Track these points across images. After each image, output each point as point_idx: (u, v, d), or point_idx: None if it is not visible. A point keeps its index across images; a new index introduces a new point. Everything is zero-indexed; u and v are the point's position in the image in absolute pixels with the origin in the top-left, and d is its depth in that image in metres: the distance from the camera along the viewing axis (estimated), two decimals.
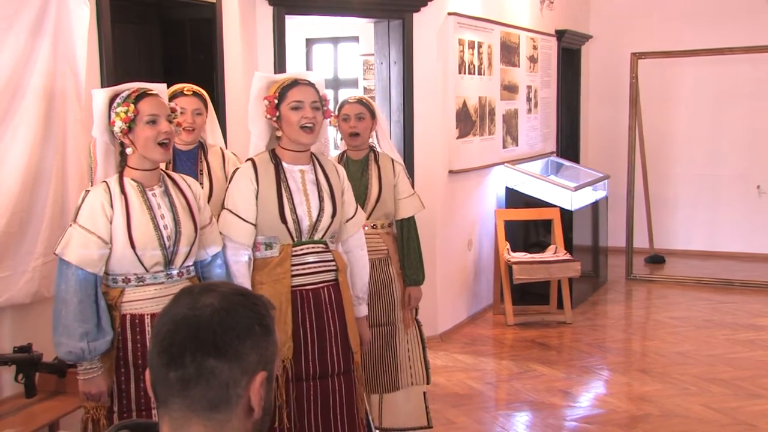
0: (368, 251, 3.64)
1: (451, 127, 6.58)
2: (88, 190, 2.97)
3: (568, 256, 6.99)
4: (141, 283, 3.00)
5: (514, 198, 7.51)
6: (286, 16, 5.80)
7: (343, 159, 4.10)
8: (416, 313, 4.22)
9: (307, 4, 5.96)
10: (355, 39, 9.13)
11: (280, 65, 5.77)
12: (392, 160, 4.09)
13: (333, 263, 3.39)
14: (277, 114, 3.28)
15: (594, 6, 10.08)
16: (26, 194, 3.71)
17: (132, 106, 2.91)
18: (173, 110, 3.06)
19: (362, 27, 8.41)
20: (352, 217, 3.52)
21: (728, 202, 9.66)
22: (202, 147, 3.91)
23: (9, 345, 3.41)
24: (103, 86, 4.30)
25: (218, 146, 4.03)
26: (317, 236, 3.35)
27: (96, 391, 2.94)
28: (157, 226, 2.97)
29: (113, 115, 2.92)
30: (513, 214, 7.35)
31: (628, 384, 5.61)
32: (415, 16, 6.25)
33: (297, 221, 3.29)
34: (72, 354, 2.90)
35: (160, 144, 2.95)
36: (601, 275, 8.49)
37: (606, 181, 8.62)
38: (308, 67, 9.53)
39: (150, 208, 2.98)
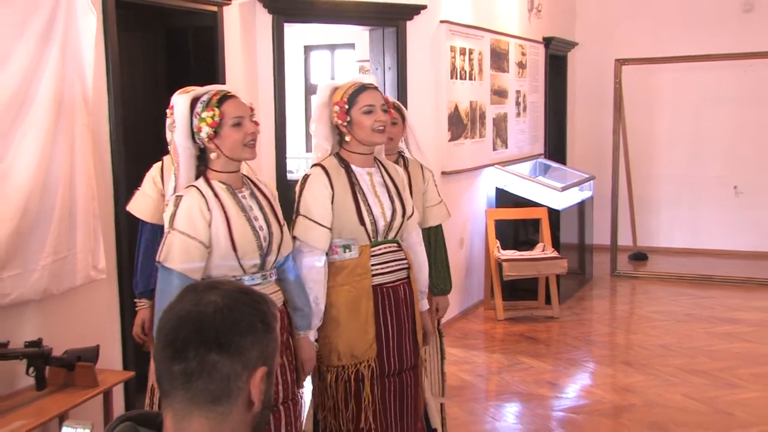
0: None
1: (444, 130, 6.60)
2: (180, 195, 2.78)
3: (555, 254, 7.02)
4: None
5: (504, 198, 7.52)
6: (285, 24, 5.80)
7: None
8: (439, 324, 4.03)
9: (305, 12, 5.95)
10: (352, 46, 9.14)
11: (279, 71, 5.77)
12: (422, 167, 3.93)
13: (405, 261, 3.34)
14: (348, 119, 3.17)
15: (580, 15, 10.11)
16: (36, 197, 3.69)
17: (217, 110, 2.78)
18: (252, 109, 2.93)
19: (358, 34, 8.42)
20: (411, 215, 3.44)
21: (707, 202, 9.70)
22: None
23: (20, 340, 3.41)
24: (110, 92, 4.33)
25: None
26: (391, 236, 3.29)
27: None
28: (253, 228, 2.84)
29: (197, 120, 2.79)
30: (503, 213, 7.36)
31: (612, 375, 5.63)
32: (409, 24, 6.26)
33: (374, 222, 3.21)
34: None
35: (247, 145, 2.84)
36: (587, 272, 8.51)
37: (591, 181, 8.64)
38: (306, 73, 9.53)
39: (243, 210, 2.85)
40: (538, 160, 8.83)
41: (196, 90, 2.86)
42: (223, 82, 5.21)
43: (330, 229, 3.13)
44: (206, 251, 2.74)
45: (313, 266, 3.09)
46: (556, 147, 9.63)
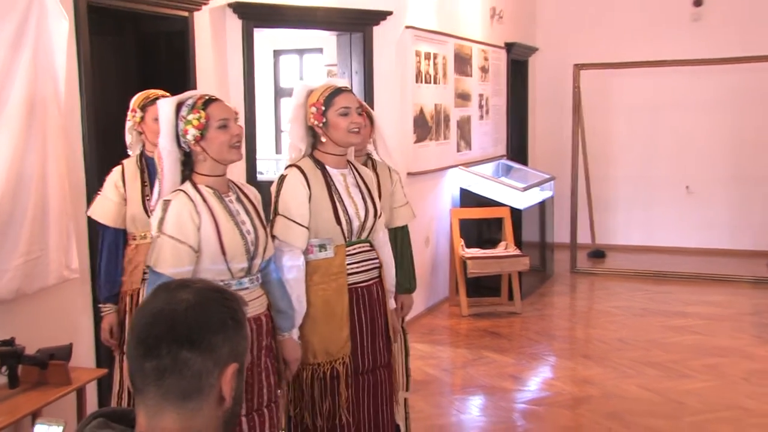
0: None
1: (409, 132, 6.61)
2: (168, 200, 2.70)
3: (517, 252, 7.04)
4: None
5: (468, 198, 7.54)
6: (255, 29, 5.78)
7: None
8: (403, 321, 3.97)
9: (275, 17, 5.93)
10: (320, 50, 9.13)
11: (249, 75, 5.74)
12: (389, 169, 3.87)
13: (377, 260, 3.33)
14: (324, 120, 3.15)
15: (540, 21, 10.15)
16: (8, 197, 3.65)
17: (202, 112, 2.71)
18: (236, 113, 2.86)
19: (326, 39, 8.41)
20: (380, 215, 3.42)
21: (661, 201, 9.78)
22: None
23: None
24: (82, 95, 4.29)
25: None
26: (363, 236, 3.27)
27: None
28: (241, 232, 2.78)
29: (183, 123, 2.72)
30: (467, 213, 7.38)
31: (572, 368, 5.66)
32: (375, 29, 6.28)
33: (350, 222, 3.19)
34: None
35: (233, 147, 2.77)
36: (548, 269, 8.56)
37: (552, 182, 8.70)
38: (276, 77, 9.50)
39: (231, 214, 2.79)
40: (501, 161, 8.86)
41: (182, 95, 2.81)
42: (195, 86, 5.19)
43: (308, 228, 3.10)
44: (195, 255, 2.68)
45: (294, 265, 3.05)
46: (517, 148, 9.65)
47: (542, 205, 8.32)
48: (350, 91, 3.26)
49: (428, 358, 5.84)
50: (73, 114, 4.20)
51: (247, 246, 2.77)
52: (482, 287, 7.25)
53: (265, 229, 2.89)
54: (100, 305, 3.63)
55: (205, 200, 2.73)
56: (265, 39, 8.52)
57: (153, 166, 3.52)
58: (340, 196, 3.17)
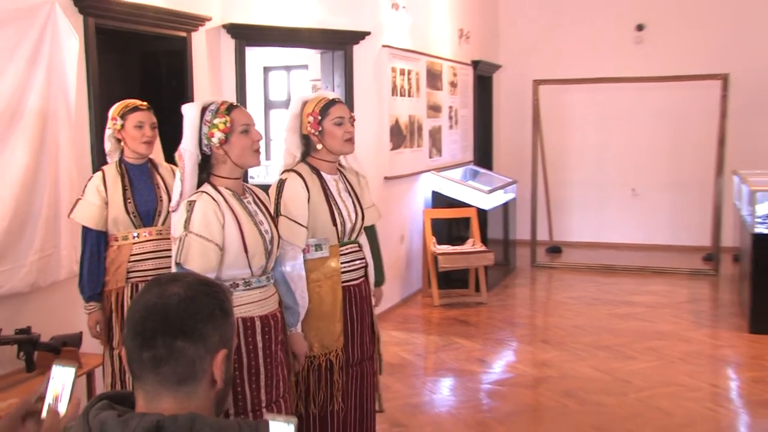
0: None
1: (386, 140, 6.60)
2: (192, 201, 2.56)
3: (483, 248, 7.06)
4: (248, 288, 2.65)
5: (439, 200, 7.54)
6: (246, 48, 5.78)
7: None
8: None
9: (264, 37, 5.92)
10: (305, 67, 9.08)
11: (241, 89, 5.74)
12: (357, 173, 3.70)
13: (364, 260, 3.26)
14: (320, 129, 3.07)
15: (503, 41, 10.15)
16: (24, 200, 3.68)
17: (227, 117, 2.58)
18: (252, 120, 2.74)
19: (311, 57, 8.34)
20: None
21: (610, 203, 9.82)
22: (151, 161, 3.63)
23: (11, 328, 3.38)
24: (90, 107, 4.28)
25: (164, 162, 3.73)
26: (353, 237, 3.21)
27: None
28: (260, 232, 2.66)
29: (207, 127, 2.59)
30: (438, 213, 7.38)
31: (532, 352, 5.68)
32: (355, 47, 6.27)
33: (343, 223, 3.12)
34: None
35: (254, 151, 2.65)
36: (511, 263, 8.57)
37: (514, 185, 8.70)
38: (266, 91, 9.47)
39: (250, 214, 2.66)
40: (468, 166, 8.85)
41: (205, 100, 2.69)
42: (192, 100, 5.17)
43: (307, 228, 3.02)
44: (221, 253, 2.56)
45: (296, 263, 2.95)
46: (483, 155, 9.63)
47: (505, 206, 8.34)
48: (343, 102, 3.21)
49: (403, 344, 5.84)
50: (82, 124, 4.21)
51: (266, 245, 2.67)
52: (452, 280, 7.25)
53: (277, 229, 2.80)
54: (85, 305, 3.47)
55: (226, 201, 2.61)
56: (256, 57, 8.47)
57: (132, 172, 3.50)
58: (335, 200, 3.11)
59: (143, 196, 3.50)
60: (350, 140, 3.12)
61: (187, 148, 2.61)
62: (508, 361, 5.55)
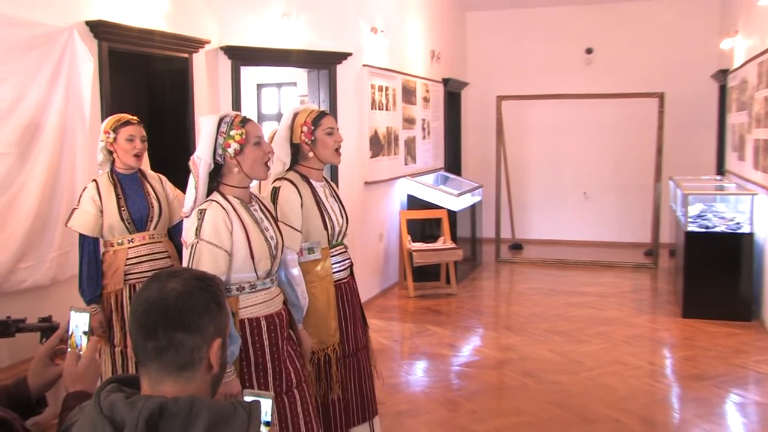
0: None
1: (366, 149, 6.58)
2: (203, 209, 2.45)
3: (453, 245, 7.08)
4: (253, 290, 2.54)
5: (414, 202, 7.53)
6: (241, 67, 5.78)
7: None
8: None
9: (258, 57, 5.92)
10: (294, 84, 9.04)
11: (236, 104, 5.72)
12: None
13: (350, 260, 3.18)
14: (313, 138, 2.95)
15: (470, 61, 10.19)
16: (45, 204, 3.70)
17: (243, 129, 2.47)
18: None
19: (299, 75, 8.30)
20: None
21: (565, 204, 9.88)
22: (140, 171, 3.51)
23: (35, 316, 3.40)
24: (102, 121, 4.29)
25: (150, 171, 3.62)
26: (340, 239, 3.11)
27: (235, 391, 2.50)
28: (266, 238, 2.54)
29: (223, 138, 2.46)
30: (413, 214, 7.37)
31: (496, 338, 5.70)
32: (339, 67, 6.27)
33: (333, 227, 3.02)
34: None
35: (264, 163, 2.54)
36: (478, 259, 8.58)
37: (480, 189, 8.74)
38: (259, 106, 9.43)
39: (256, 221, 2.54)
40: (440, 172, 8.85)
41: (220, 113, 2.56)
42: (193, 114, 5.18)
43: (301, 232, 2.91)
44: (229, 259, 2.45)
45: (295, 265, 2.82)
46: (453, 162, 9.64)
47: (473, 208, 8.34)
48: (331, 114, 3.11)
49: (382, 331, 5.82)
50: (96, 137, 4.08)
51: (270, 250, 2.55)
52: (425, 274, 7.22)
53: (281, 234, 2.68)
54: (86, 307, 3.16)
55: (234, 209, 2.49)
56: (250, 75, 8.44)
57: (124, 181, 3.42)
58: (324, 205, 3.01)
59: (135, 203, 3.42)
60: (339, 150, 3.02)
61: (202, 157, 2.49)
62: (475, 346, 5.56)
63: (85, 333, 1.78)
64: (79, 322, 1.80)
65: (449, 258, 7.01)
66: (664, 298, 6.94)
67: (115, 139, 3.39)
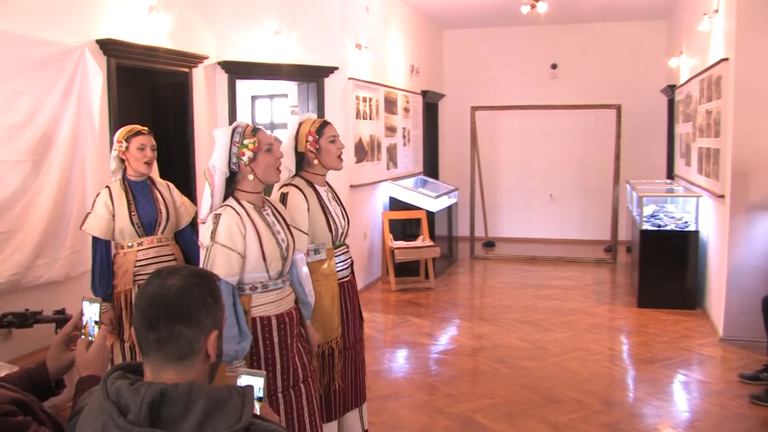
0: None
1: (351, 155, 6.57)
2: (218, 214, 2.40)
3: (431, 243, 7.10)
4: (265, 290, 2.48)
5: (395, 204, 7.52)
6: (237, 80, 5.80)
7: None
8: None
9: (252, 72, 5.93)
10: (285, 95, 8.99)
11: (232, 114, 5.73)
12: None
13: (351, 259, 3.14)
14: (317, 146, 2.90)
15: (446, 75, 10.20)
16: (59, 206, 3.73)
17: (255, 138, 2.42)
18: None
19: (290, 87, 8.20)
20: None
21: (533, 205, 9.94)
22: (149, 178, 3.47)
23: (50, 309, 3.42)
24: (111, 132, 4.25)
25: (159, 179, 3.57)
26: (342, 240, 3.06)
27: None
28: (278, 241, 2.49)
29: (237, 147, 2.41)
30: (394, 214, 7.36)
31: (471, 328, 5.70)
32: (326, 80, 6.28)
33: (337, 229, 2.97)
34: (227, 356, 2.31)
35: (276, 168, 2.50)
36: (454, 255, 8.58)
37: (456, 191, 8.76)
38: (253, 116, 9.40)
39: (268, 225, 2.49)
40: (419, 176, 8.87)
41: (234, 124, 2.50)
42: (193, 124, 5.20)
43: (308, 235, 2.85)
44: (242, 261, 2.40)
45: (304, 265, 2.75)
46: (431, 167, 9.67)
47: (449, 208, 8.34)
48: (332, 124, 3.05)
49: (367, 322, 5.64)
50: (104, 145, 4.22)
51: (282, 252, 2.50)
52: (406, 269, 7.22)
53: (292, 236, 2.62)
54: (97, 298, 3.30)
55: (248, 213, 2.44)
56: (245, 87, 8.41)
57: (134, 188, 3.39)
58: (328, 208, 2.97)
59: (145, 209, 3.38)
60: (341, 156, 2.97)
61: (218, 166, 2.44)
62: (451, 335, 5.56)
63: (96, 322, 1.80)
64: (91, 312, 1.81)
65: (428, 255, 7.03)
66: (621, 290, 7.01)
67: (127, 148, 3.36)
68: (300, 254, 2.72)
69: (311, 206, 2.89)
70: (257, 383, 1.58)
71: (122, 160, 3.40)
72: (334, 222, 2.98)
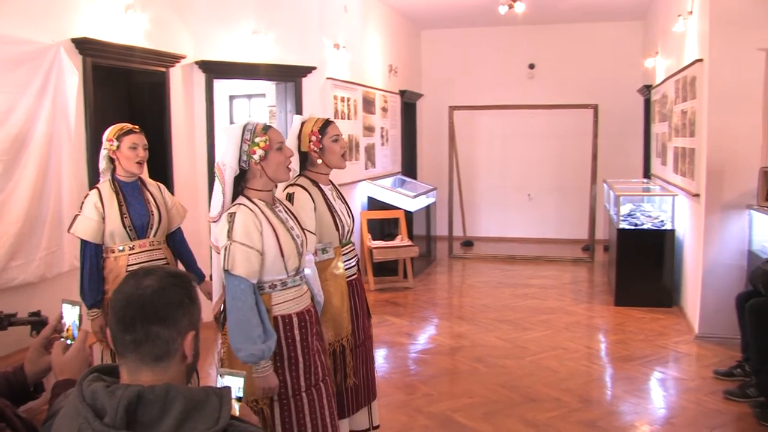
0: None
1: None
2: (233, 213, 2.35)
3: (410, 243, 7.12)
4: (284, 287, 2.45)
5: (374, 203, 7.54)
6: (215, 80, 5.77)
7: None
8: None
9: (229, 71, 5.91)
10: (263, 95, 8.95)
11: (209, 114, 5.70)
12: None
13: (357, 257, 3.12)
14: (321, 146, 2.88)
15: (424, 75, 10.25)
16: (34, 207, 3.68)
17: (266, 136, 2.38)
18: None
19: (268, 87, 8.20)
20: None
21: (511, 204, 10.01)
22: (140, 179, 3.35)
23: (25, 311, 3.38)
24: (87, 131, 4.25)
25: (149, 180, 3.46)
26: (348, 238, 3.03)
27: (273, 385, 2.38)
28: (293, 237, 2.46)
29: (247, 145, 2.37)
30: (373, 214, 7.37)
31: (450, 327, 5.72)
32: (304, 80, 6.28)
33: (343, 227, 2.95)
34: (254, 356, 2.29)
35: (287, 167, 2.47)
36: (432, 255, 8.60)
37: (434, 191, 8.79)
38: (231, 115, 9.35)
39: (282, 222, 2.45)
40: (397, 176, 8.89)
41: (244, 122, 2.46)
42: (170, 124, 5.17)
43: (315, 234, 2.81)
44: (261, 258, 2.36)
45: (312, 265, 2.71)
46: (409, 167, 9.68)
47: (428, 208, 8.37)
48: (334, 122, 3.02)
49: None
50: (80, 145, 4.21)
51: (297, 248, 2.47)
52: (385, 269, 7.23)
53: (305, 233, 2.59)
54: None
55: (261, 211, 2.41)
56: (223, 87, 8.37)
57: (125, 189, 3.27)
58: (334, 207, 2.94)
59: (137, 211, 3.26)
60: (344, 155, 2.96)
61: (228, 164, 2.39)
62: (430, 334, 5.57)
63: (76, 325, 1.78)
64: (71, 314, 1.79)
65: (406, 254, 7.06)
66: (599, 288, 7.08)
67: (118, 147, 3.23)
68: (309, 255, 2.68)
69: (317, 205, 2.86)
70: (237, 383, 1.58)
71: (111, 160, 3.27)
72: (341, 220, 2.95)
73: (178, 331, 1.29)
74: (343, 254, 2.99)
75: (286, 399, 2.46)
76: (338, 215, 2.95)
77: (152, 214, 3.32)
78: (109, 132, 3.28)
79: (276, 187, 2.55)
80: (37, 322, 3.35)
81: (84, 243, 3.19)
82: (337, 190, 3.07)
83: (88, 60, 4.22)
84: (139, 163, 3.27)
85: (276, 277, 2.43)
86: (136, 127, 3.34)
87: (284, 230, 2.44)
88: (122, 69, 4.73)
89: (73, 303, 1.84)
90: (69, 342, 1.76)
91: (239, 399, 1.58)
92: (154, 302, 1.28)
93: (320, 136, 2.89)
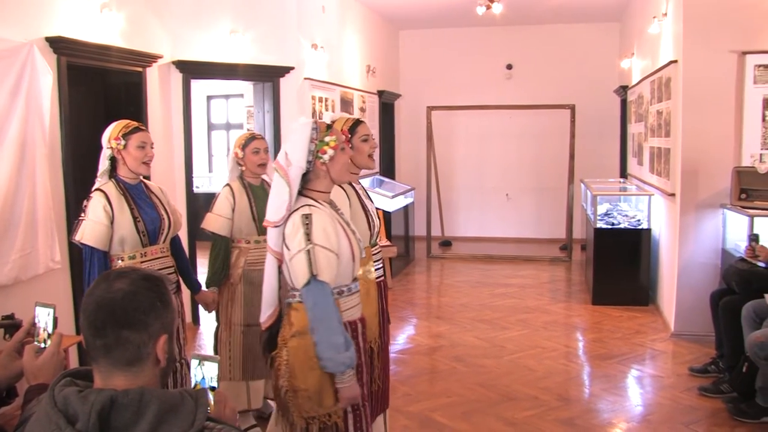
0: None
1: None
2: (308, 214, 2.20)
3: (389, 243, 7.12)
4: (350, 293, 2.34)
5: None
6: (192, 80, 5.75)
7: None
8: None
9: (207, 71, 5.89)
10: (241, 95, 8.96)
11: (187, 114, 5.67)
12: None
13: (382, 259, 3.04)
14: (350, 145, 2.76)
15: (402, 74, 10.28)
16: (8, 208, 3.64)
17: (335, 135, 2.29)
18: None
19: (246, 87, 8.23)
20: None
21: (489, 204, 10.07)
22: (141, 180, 3.10)
23: None
24: (62, 131, 4.19)
25: (151, 182, 3.22)
26: (375, 239, 2.95)
27: (357, 393, 2.25)
28: (357, 240, 2.38)
29: (316, 145, 2.26)
30: None
31: (428, 327, 5.73)
32: (282, 80, 6.27)
33: (373, 227, 2.88)
34: (343, 365, 2.17)
35: (349, 169, 2.40)
36: (411, 255, 8.65)
37: (413, 191, 8.84)
38: (208, 116, 9.30)
39: (347, 224, 2.36)
40: (376, 176, 8.80)
41: (304, 118, 2.38)
42: (147, 125, 5.10)
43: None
44: (339, 262, 2.25)
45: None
46: (388, 167, 9.68)
47: (406, 208, 8.40)
48: (365, 122, 2.95)
49: None
50: (55, 145, 4.16)
51: (361, 251, 2.40)
52: None
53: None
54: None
55: (329, 213, 2.30)
56: (200, 87, 8.35)
57: (131, 191, 3.01)
58: (366, 206, 2.88)
59: (149, 215, 2.99)
60: (372, 155, 2.90)
61: (296, 162, 2.24)
62: (409, 334, 5.58)
63: (50, 328, 1.76)
64: (45, 317, 1.77)
65: (384, 254, 6.78)
66: (576, 287, 7.15)
67: (125, 146, 2.94)
68: None
69: (352, 205, 2.80)
70: (211, 372, 1.55)
71: (113, 160, 2.99)
72: (372, 220, 2.89)
73: (149, 335, 1.28)
74: (373, 254, 2.90)
75: (358, 409, 2.36)
76: (369, 214, 2.89)
77: (163, 219, 3.06)
78: (113, 130, 2.99)
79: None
80: (9, 325, 3.30)
81: (90, 251, 2.86)
82: (365, 190, 3.00)
83: (63, 59, 4.17)
84: (146, 164, 3.00)
85: (343, 282, 2.30)
86: (142, 124, 3.09)
87: (351, 233, 2.34)
88: (98, 68, 4.69)
89: (47, 306, 1.81)
90: (43, 345, 1.73)
91: (213, 389, 1.54)
92: (124, 306, 1.26)
93: (350, 136, 2.84)
